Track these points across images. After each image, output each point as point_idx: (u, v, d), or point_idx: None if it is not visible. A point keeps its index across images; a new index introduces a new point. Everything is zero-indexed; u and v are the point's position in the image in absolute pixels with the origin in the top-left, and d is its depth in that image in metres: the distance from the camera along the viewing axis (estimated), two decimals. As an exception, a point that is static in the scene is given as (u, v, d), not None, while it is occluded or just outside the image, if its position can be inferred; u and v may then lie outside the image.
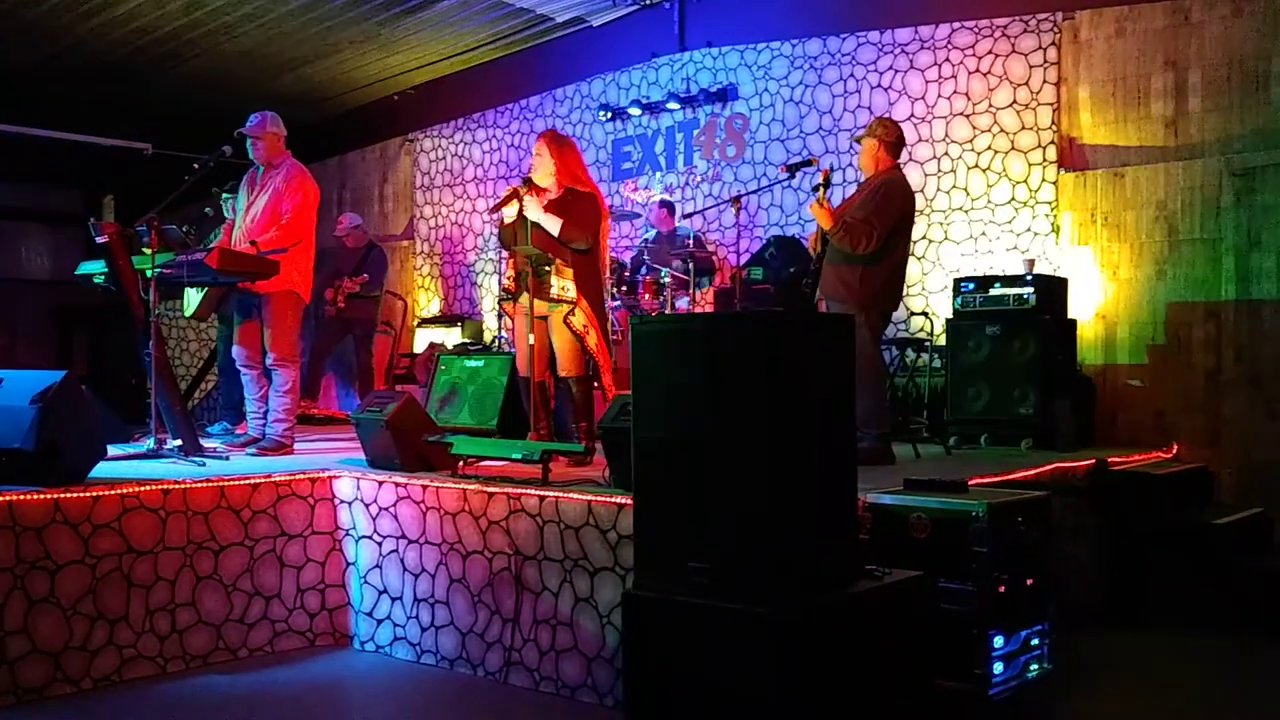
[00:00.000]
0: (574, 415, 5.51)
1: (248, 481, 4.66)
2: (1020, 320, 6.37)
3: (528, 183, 5.43)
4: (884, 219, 5.36)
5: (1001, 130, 7.30)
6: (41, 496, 4.05)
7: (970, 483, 4.17)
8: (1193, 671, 4.57)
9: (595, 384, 5.61)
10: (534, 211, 5.37)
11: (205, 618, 4.47)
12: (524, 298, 5.32)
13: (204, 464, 5.03)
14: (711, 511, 3.14)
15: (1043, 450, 6.03)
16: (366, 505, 4.85)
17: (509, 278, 5.50)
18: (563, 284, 5.30)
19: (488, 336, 9.72)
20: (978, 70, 7.40)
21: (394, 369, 9.53)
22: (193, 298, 6.65)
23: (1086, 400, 6.68)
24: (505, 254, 5.69)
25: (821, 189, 5.42)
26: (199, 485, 4.51)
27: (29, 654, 3.98)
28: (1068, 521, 4.99)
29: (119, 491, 4.26)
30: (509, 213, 5.46)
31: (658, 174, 9.08)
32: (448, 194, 10.54)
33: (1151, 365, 6.69)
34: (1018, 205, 7.22)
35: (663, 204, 8.60)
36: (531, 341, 5.38)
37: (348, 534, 4.91)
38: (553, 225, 5.35)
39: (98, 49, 8.69)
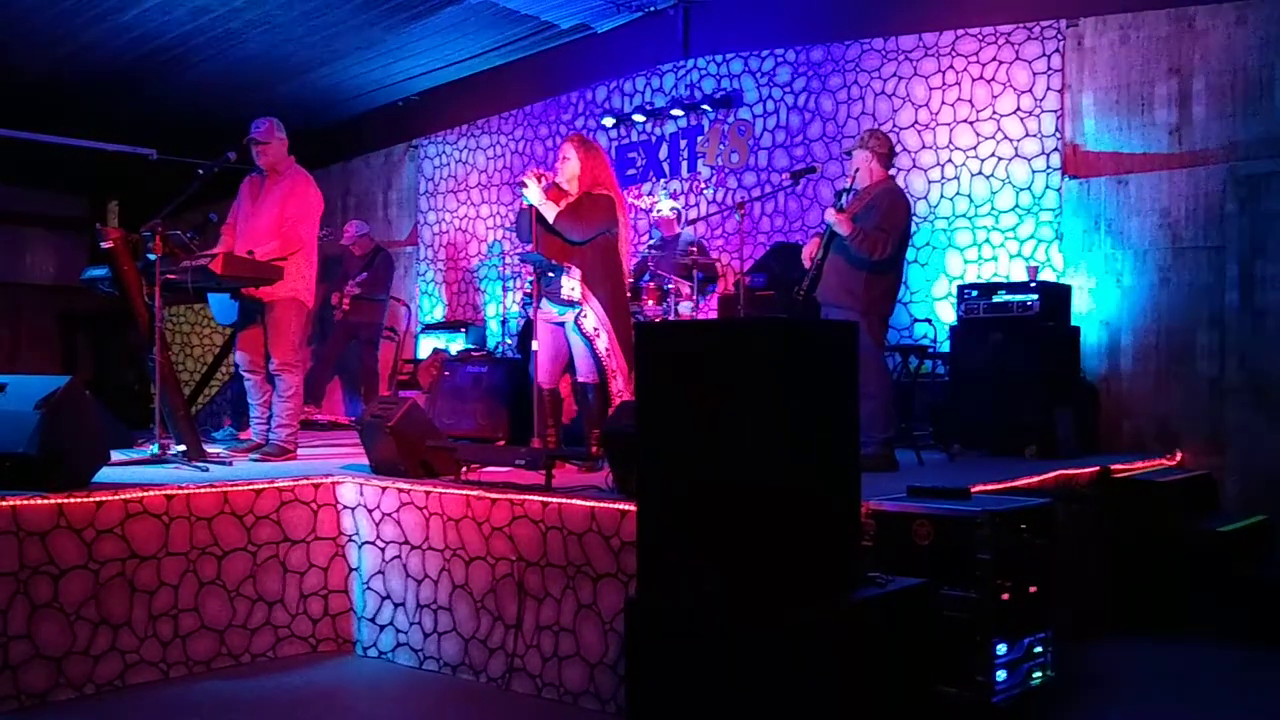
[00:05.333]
0: (587, 422, 5.51)
1: (251, 487, 4.67)
2: (1023, 327, 6.36)
3: (540, 177, 5.46)
4: (894, 227, 5.49)
5: (1005, 137, 7.29)
6: (45, 501, 4.06)
7: (973, 490, 4.17)
8: (1196, 680, 4.56)
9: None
10: (534, 195, 5.42)
11: (208, 623, 4.47)
12: (544, 304, 5.42)
13: (207, 469, 5.04)
14: (715, 518, 3.14)
15: (1046, 457, 6.02)
16: (370, 511, 4.85)
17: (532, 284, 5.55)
18: (571, 284, 5.32)
19: (491, 342, 9.72)
20: (982, 77, 7.40)
21: (397, 374, 9.54)
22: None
23: (1090, 407, 6.67)
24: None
25: (845, 194, 5.57)
26: (202, 490, 4.51)
27: (32, 659, 3.98)
28: (1071, 529, 4.98)
29: (122, 496, 4.27)
30: (530, 194, 5.46)
31: (661, 180, 9.08)
32: (451, 200, 10.54)
33: (1155, 372, 6.67)
34: (1021, 212, 7.21)
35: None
36: (535, 347, 5.41)
37: (351, 539, 4.91)
38: (549, 211, 5.40)
39: (103, 55, 8.71)
